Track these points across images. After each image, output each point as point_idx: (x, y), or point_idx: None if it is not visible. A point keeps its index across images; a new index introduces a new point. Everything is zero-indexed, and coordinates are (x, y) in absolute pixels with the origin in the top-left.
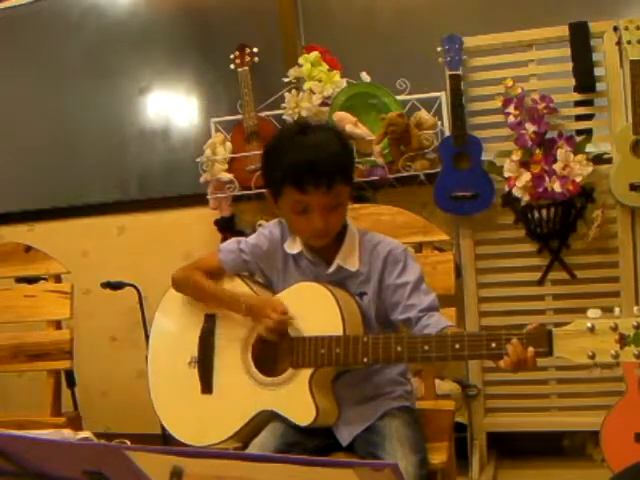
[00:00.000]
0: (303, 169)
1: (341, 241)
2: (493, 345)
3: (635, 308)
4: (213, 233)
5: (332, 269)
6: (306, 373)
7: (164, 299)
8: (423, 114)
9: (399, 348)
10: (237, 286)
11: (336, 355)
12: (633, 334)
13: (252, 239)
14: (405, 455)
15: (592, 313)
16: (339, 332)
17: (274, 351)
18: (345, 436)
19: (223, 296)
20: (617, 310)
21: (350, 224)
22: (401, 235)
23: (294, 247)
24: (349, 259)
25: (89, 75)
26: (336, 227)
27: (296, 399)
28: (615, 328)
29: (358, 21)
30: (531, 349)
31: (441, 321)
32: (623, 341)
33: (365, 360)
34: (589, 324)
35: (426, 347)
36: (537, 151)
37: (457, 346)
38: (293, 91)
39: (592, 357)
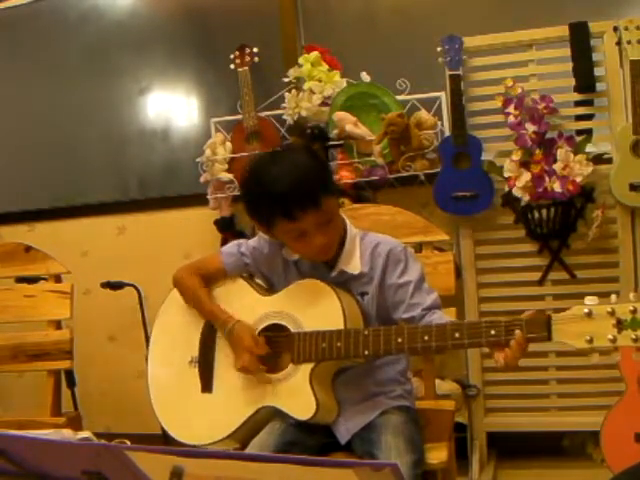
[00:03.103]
0: (286, 198)
1: (342, 245)
2: (492, 332)
3: (631, 294)
4: (213, 233)
5: (335, 273)
6: (307, 368)
7: (168, 298)
8: (423, 114)
9: (399, 339)
10: (239, 285)
11: (337, 349)
12: (630, 319)
13: (253, 242)
14: (400, 454)
15: (589, 300)
16: (340, 326)
17: (275, 348)
18: (343, 434)
19: (216, 315)
20: (614, 297)
21: (349, 226)
22: (401, 235)
23: (293, 254)
24: (351, 263)
25: (89, 75)
26: (336, 238)
27: (296, 394)
28: (612, 313)
29: (358, 21)
30: (518, 332)
31: (443, 318)
32: (620, 325)
33: (366, 353)
34: (586, 310)
35: (426, 337)
36: (537, 151)
37: (457, 335)
38: (293, 91)
39: (590, 342)
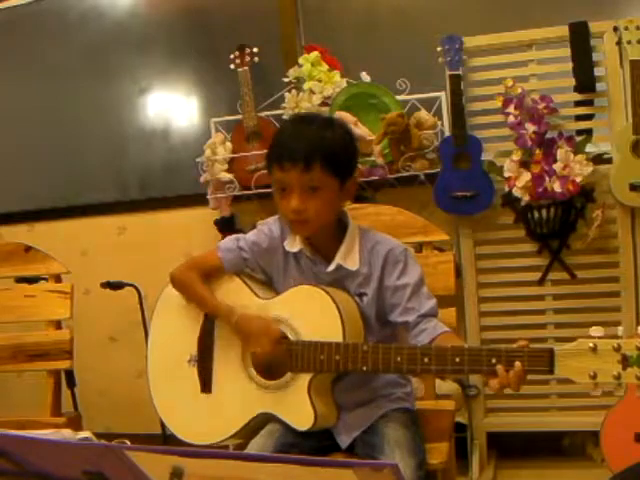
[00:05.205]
0: (285, 145)
1: (341, 240)
2: (493, 361)
3: (639, 328)
4: (213, 233)
5: (331, 268)
6: (305, 378)
7: (162, 297)
8: (423, 114)
9: (399, 359)
10: (236, 287)
11: (335, 362)
12: (636, 355)
13: (251, 236)
14: (403, 457)
15: (595, 331)
16: (339, 338)
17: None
18: (344, 439)
19: (219, 308)
20: (620, 330)
21: (351, 223)
22: (401, 235)
23: (294, 245)
24: (349, 258)
25: (89, 75)
26: (317, 215)
27: (295, 404)
28: (618, 349)
29: (358, 21)
30: (518, 364)
31: (437, 327)
32: (626, 362)
33: (364, 369)
34: (591, 344)
35: (426, 359)
36: (537, 151)
37: (457, 360)
38: (293, 91)
39: (594, 377)
